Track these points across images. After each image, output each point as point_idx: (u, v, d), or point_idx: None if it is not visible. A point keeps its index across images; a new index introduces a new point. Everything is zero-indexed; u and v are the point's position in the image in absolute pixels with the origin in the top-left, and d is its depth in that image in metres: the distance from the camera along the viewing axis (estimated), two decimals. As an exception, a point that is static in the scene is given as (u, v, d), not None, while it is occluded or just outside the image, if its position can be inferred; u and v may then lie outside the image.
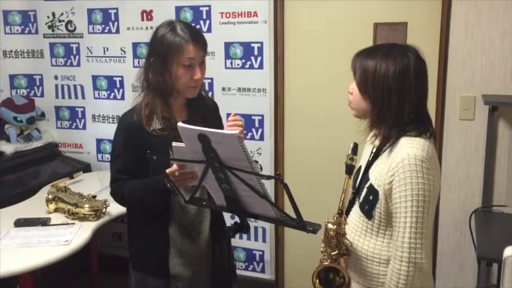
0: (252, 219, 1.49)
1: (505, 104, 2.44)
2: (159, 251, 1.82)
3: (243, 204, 1.37)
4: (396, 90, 1.46)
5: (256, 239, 3.15)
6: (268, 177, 1.29)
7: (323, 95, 2.85)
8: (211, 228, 1.89)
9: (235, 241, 3.19)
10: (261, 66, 2.89)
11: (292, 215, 1.32)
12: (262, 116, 2.96)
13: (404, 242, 1.41)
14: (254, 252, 3.17)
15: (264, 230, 3.11)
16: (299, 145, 2.95)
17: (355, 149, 1.53)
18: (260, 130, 2.99)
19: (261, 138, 2.99)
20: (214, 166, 1.29)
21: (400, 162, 1.43)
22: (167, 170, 1.62)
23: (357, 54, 1.57)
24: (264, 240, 3.13)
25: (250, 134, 3.01)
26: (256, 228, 3.12)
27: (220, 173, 1.30)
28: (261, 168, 3.02)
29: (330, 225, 1.51)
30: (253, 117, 2.98)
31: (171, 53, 1.72)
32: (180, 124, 1.34)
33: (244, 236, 3.16)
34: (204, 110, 1.91)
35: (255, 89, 2.94)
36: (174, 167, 1.62)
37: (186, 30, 1.75)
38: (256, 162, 3.02)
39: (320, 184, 2.92)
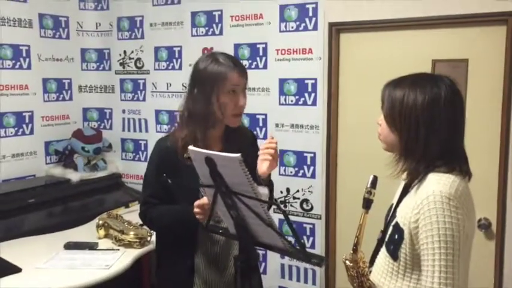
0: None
1: None
2: (184, 280, 1.80)
3: (253, 233, 1.33)
4: (424, 121, 1.37)
5: (306, 281, 3.03)
6: (266, 203, 1.24)
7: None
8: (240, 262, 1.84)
9: (286, 282, 3.10)
10: (314, 103, 2.87)
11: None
12: (314, 153, 2.90)
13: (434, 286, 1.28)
14: (304, 294, 3.06)
15: (314, 271, 3.00)
16: (352, 185, 2.85)
17: (374, 182, 1.44)
18: (312, 168, 2.92)
19: (313, 176, 2.93)
20: (222, 191, 1.27)
21: (425, 199, 1.32)
22: (196, 202, 1.62)
23: (387, 84, 1.51)
24: (314, 283, 3.01)
25: (302, 171, 2.96)
26: (306, 269, 3.02)
27: (228, 198, 1.27)
28: (312, 206, 2.94)
29: (347, 262, 1.41)
30: (305, 154, 2.93)
31: (216, 82, 1.76)
32: (190, 147, 1.35)
33: (294, 277, 3.06)
34: (240, 140, 1.91)
35: (307, 125, 2.90)
36: (204, 199, 1.62)
37: (227, 59, 1.80)
38: (307, 200, 2.95)
39: (373, 225, 2.77)
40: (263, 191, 1.29)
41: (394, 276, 1.43)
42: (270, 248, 1.33)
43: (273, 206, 2.90)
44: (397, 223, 1.42)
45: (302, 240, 3.00)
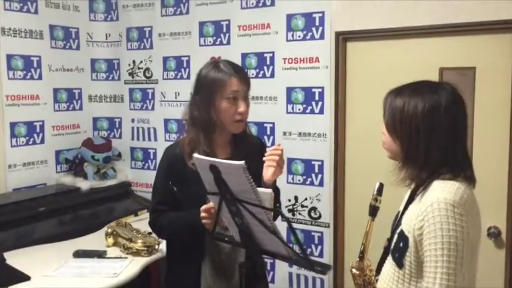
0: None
1: None
2: (191, 286, 1.80)
3: (257, 241, 1.33)
4: (425, 129, 1.37)
5: (314, 290, 3.03)
6: (270, 210, 1.25)
7: (385, 141, 2.74)
8: (246, 270, 1.85)
9: (293, 291, 3.09)
10: (321, 111, 2.87)
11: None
12: (322, 161, 2.91)
13: None
14: (312, 303, 3.04)
15: (322, 281, 2.99)
16: (359, 192, 2.83)
17: (380, 190, 1.44)
18: (320, 176, 2.93)
19: (321, 184, 2.93)
20: (226, 198, 1.28)
21: (430, 206, 1.31)
22: (203, 207, 1.64)
23: (388, 92, 1.52)
24: (322, 292, 3.00)
25: (309, 179, 2.96)
26: (314, 278, 3.01)
27: (232, 206, 1.28)
28: (320, 215, 2.94)
29: (354, 270, 1.41)
30: (313, 162, 2.94)
31: (215, 88, 1.78)
32: (195, 155, 1.36)
33: (302, 286, 3.06)
34: (248, 148, 1.92)
35: (315, 133, 2.91)
36: (210, 204, 1.63)
37: (228, 66, 1.82)
38: (315, 209, 2.95)
39: (380, 233, 2.76)
40: (266, 191, 1.29)
41: (400, 285, 1.42)
42: (274, 255, 1.33)
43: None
44: (402, 231, 1.41)
45: (310, 249, 3.00)
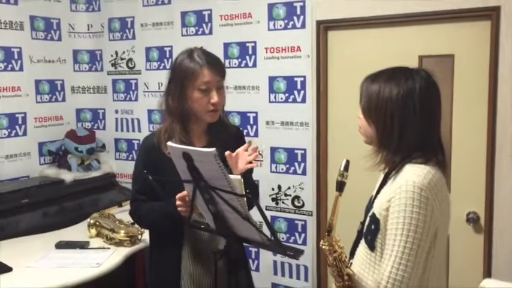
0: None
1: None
2: (171, 275, 1.82)
3: (232, 227, 1.35)
4: (399, 114, 1.39)
5: (298, 278, 3.05)
6: (241, 196, 1.26)
7: (366, 129, 2.76)
8: (227, 257, 1.86)
9: (278, 279, 3.12)
10: (303, 100, 2.88)
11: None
12: (305, 150, 2.92)
13: (385, 271, 1.31)
14: (296, 291, 3.07)
15: (306, 268, 3.01)
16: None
17: (347, 166, 1.48)
18: (302, 164, 2.94)
19: (304, 172, 2.94)
20: (200, 186, 1.29)
21: (398, 189, 1.34)
22: (178, 195, 1.65)
23: (365, 78, 1.54)
24: (306, 279, 3.03)
25: (292, 168, 2.97)
26: (298, 266, 3.04)
27: (205, 193, 1.29)
28: (303, 203, 2.96)
29: (324, 246, 1.44)
30: (295, 151, 2.95)
31: (186, 78, 1.79)
32: (168, 143, 1.37)
33: (286, 273, 3.08)
34: (225, 137, 1.93)
35: (297, 122, 2.92)
36: (185, 192, 1.64)
37: (202, 56, 1.82)
38: (298, 197, 2.97)
39: (357, 218, 2.79)
40: (235, 177, 1.30)
41: (372, 267, 1.45)
42: (248, 241, 1.35)
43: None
44: (373, 213, 1.44)
45: (293, 237, 3.02)
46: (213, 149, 1.21)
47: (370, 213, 1.46)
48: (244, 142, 2.08)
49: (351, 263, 1.54)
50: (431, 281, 1.38)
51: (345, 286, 1.48)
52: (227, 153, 1.73)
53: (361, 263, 1.49)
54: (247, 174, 1.77)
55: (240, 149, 1.78)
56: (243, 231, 1.33)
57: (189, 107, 1.80)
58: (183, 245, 1.82)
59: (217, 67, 1.82)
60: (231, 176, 1.25)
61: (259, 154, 1.82)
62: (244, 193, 1.24)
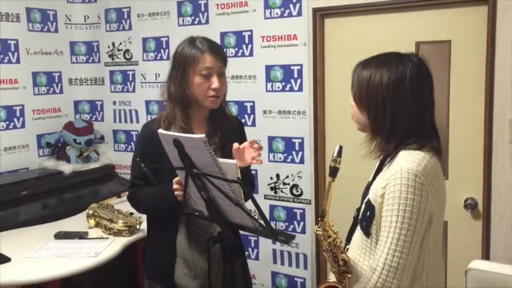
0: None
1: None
2: (166, 259, 1.83)
3: (224, 214, 1.35)
4: (390, 99, 1.39)
5: (297, 266, 3.06)
6: (232, 182, 1.25)
7: (364, 117, 2.75)
8: (222, 243, 1.87)
9: (277, 267, 3.13)
10: (300, 89, 2.88)
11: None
12: (302, 139, 2.92)
13: (381, 257, 1.31)
14: (296, 279, 3.08)
15: (305, 256, 3.02)
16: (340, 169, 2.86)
17: (340, 152, 1.48)
18: (300, 153, 2.94)
19: (301, 161, 2.94)
20: (191, 172, 1.29)
21: (393, 175, 1.34)
22: (175, 179, 1.65)
23: (356, 65, 1.53)
24: (305, 267, 3.04)
25: (290, 157, 2.97)
26: (297, 254, 3.05)
27: (197, 179, 1.29)
28: (302, 192, 2.96)
29: (317, 231, 1.44)
30: (293, 140, 2.95)
31: (188, 63, 1.80)
32: (159, 130, 1.37)
33: (286, 262, 3.09)
34: (225, 126, 1.93)
35: (294, 111, 2.91)
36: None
37: (204, 43, 1.84)
38: (297, 186, 2.97)
39: (353, 205, 2.80)
40: (231, 161, 1.30)
41: (367, 253, 1.45)
42: (241, 227, 1.35)
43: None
44: (369, 200, 1.44)
45: (292, 226, 3.03)
46: (202, 135, 1.21)
47: (365, 200, 1.45)
48: (245, 133, 2.09)
49: (347, 249, 1.54)
50: (426, 267, 1.38)
51: (340, 271, 1.49)
52: (235, 145, 1.73)
53: (357, 248, 1.49)
54: (246, 169, 1.78)
55: (246, 144, 1.78)
56: (236, 218, 1.33)
57: (190, 93, 1.81)
58: (179, 230, 1.82)
59: (219, 53, 1.84)
60: (228, 160, 1.25)
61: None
62: (239, 177, 1.24)
